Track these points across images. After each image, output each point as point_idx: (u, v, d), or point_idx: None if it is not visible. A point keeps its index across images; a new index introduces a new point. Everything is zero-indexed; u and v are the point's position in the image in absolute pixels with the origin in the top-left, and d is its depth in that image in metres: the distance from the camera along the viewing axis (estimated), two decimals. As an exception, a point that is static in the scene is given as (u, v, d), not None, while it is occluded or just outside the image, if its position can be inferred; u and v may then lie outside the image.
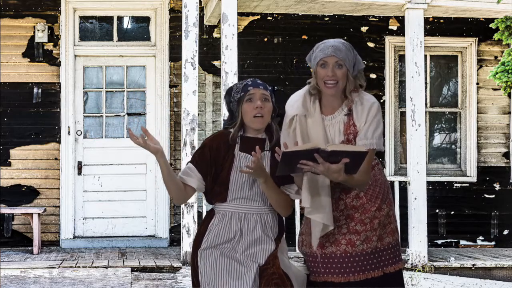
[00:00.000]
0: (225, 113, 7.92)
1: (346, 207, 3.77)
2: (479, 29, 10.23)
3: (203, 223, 3.82)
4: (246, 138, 3.77)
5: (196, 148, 7.08)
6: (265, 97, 3.73)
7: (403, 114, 10.01)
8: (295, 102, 3.80)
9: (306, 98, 3.80)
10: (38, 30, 9.58)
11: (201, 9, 9.58)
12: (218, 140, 3.77)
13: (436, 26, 10.22)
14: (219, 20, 8.78)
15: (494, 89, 10.27)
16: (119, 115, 9.91)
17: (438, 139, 10.52)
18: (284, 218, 3.87)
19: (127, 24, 10.03)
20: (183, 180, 3.74)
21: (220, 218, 3.74)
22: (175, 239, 9.64)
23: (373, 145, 3.68)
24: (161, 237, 9.72)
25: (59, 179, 9.62)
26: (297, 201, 4.28)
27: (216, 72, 9.74)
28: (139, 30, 10.02)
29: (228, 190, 3.72)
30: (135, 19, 10.02)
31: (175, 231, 9.70)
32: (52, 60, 9.68)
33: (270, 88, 3.80)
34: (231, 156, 3.73)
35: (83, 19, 9.88)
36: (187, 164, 3.80)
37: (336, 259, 3.74)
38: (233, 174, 3.71)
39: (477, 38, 10.30)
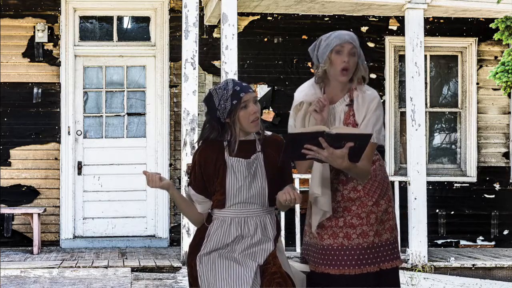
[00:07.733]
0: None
1: (343, 198, 3.80)
2: (479, 29, 10.23)
3: (201, 228, 3.77)
4: (234, 143, 3.70)
5: (196, 148, 7.06)
6: (256, 99, 3.71)
7: (403, 114, 10.01)
8: (304, 89, 3.90)
9: (314, 86, 3.88)
10: (38, 30, 9.58)
11: (201, 9, 9.58)
12: (205, 152, 3.71)
13: (436, 26, 10.22)
14: (219, 20, 8.78)
15: (494, 89, 10.27)
16: (119, 115, 9.91)
17: (438, 139, 10.52)
18: (281, 219, 3.88)
19: (127, 24, 10.03)
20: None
21: (219, 224, 3.70)
22: (175, 239, 9.64)
23: (373, 138, 3.71)
24: (161, 237, 9.72)
25: (59, 179, 9.62)
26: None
27: (216, 72, 9.74)
28: (139, 30, 10.02)
29: (226, 196, 3.66)
30: (135, 19, 10.02)
31: (175, 231, 9.70)
32: (52, 60, 9.68)
33: (251, 89, 3.76)
34: (222, 163, 3.68)
35: (83, 19, 9.88)
36: (187, 186, 3.80)
37: (332, 252, 3.77)
38: (228, 180, 3.65)
39: (477, 38, 10.30)
